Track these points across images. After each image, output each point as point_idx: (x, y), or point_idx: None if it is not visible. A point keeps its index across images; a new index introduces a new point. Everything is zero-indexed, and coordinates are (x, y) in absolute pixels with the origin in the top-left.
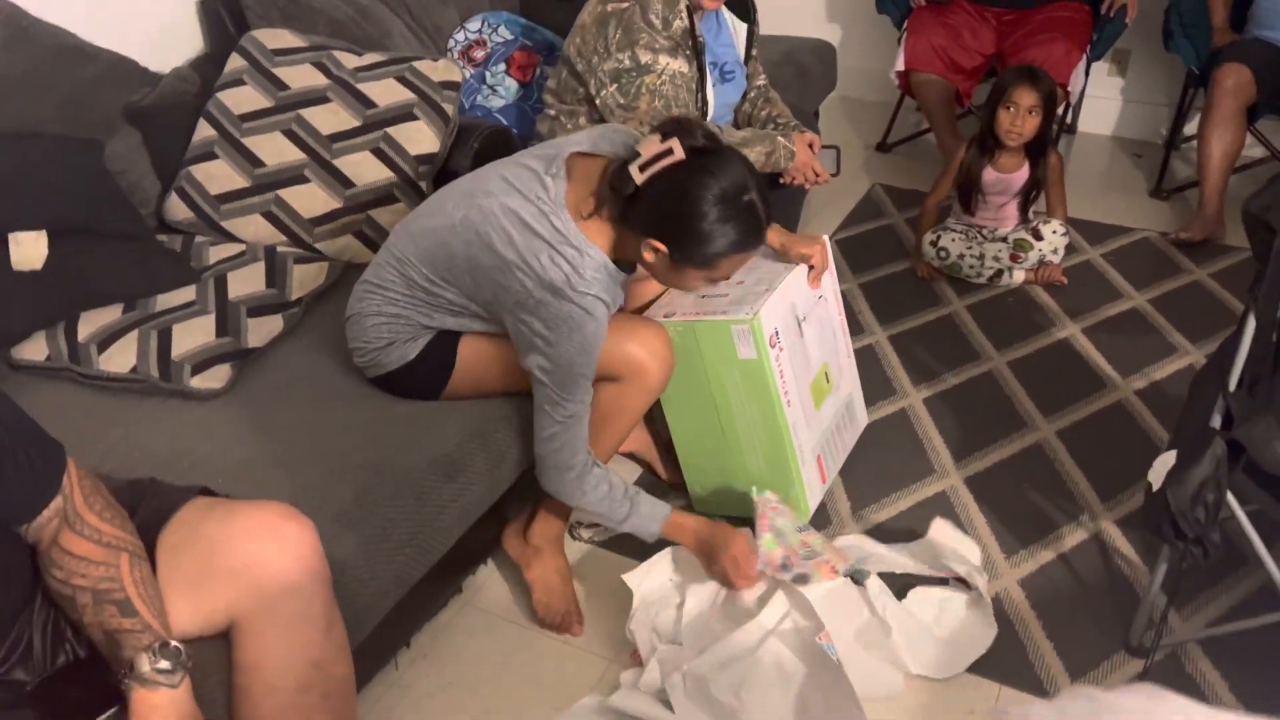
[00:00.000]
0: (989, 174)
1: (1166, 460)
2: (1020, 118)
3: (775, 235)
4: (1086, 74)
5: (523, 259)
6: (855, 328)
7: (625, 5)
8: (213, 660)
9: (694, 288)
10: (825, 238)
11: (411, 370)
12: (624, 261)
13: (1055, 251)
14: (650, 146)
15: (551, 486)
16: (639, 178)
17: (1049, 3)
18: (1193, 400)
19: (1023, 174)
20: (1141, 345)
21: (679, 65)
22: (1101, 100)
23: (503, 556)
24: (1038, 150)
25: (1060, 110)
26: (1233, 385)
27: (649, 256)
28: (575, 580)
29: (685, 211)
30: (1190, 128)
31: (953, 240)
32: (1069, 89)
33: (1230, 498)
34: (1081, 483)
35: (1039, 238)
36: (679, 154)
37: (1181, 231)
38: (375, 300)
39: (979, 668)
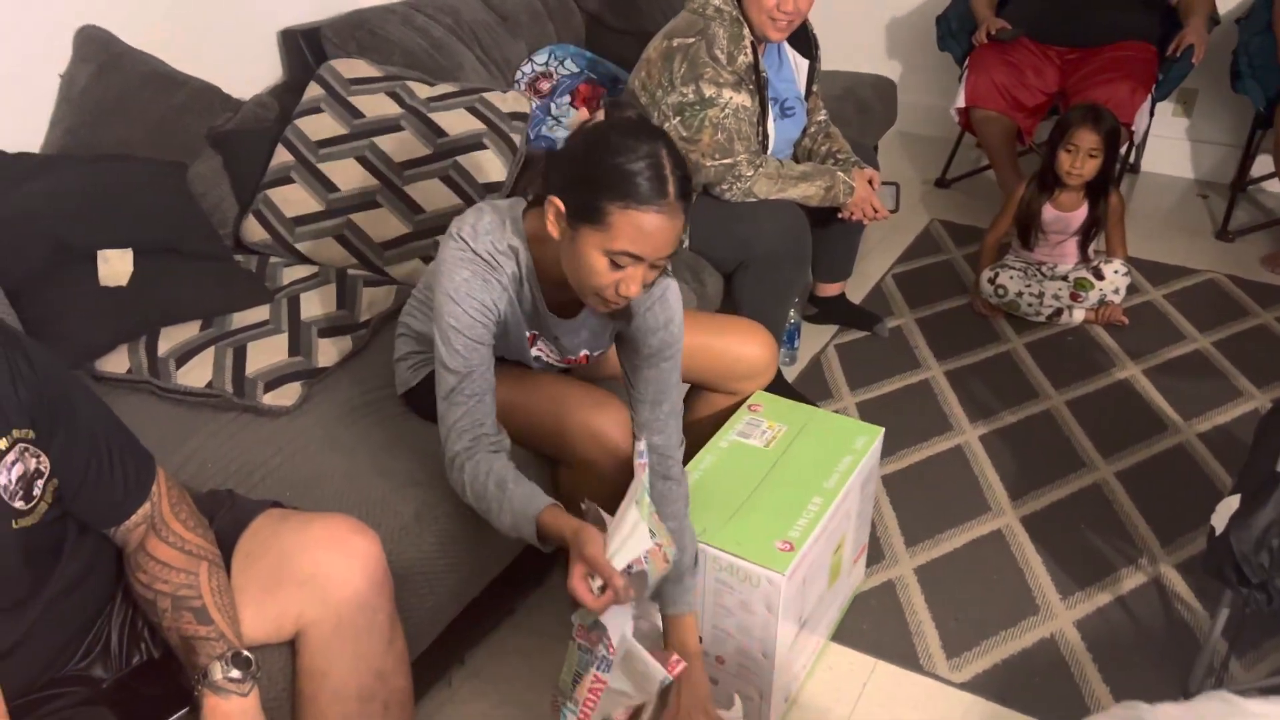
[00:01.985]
0: (1048, 211)
1: (1230, 504)
2: (1081, 159)
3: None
4: (1151, 114)
5: (468, 212)
6: (911, 363)
7: (691, 40)
8: (279, 667)
9: (597, 274)
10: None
11: (413, 395)
12: (557, 285)
13: (1117, 291)
14: (578, 120)
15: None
16: (562, 144)
17: (1114, 42)
18: (1259, 444)
19: (1082, 213)
20: (1205, 388)
21: (742, 99)
22: (1167, 140)
23: (556, 579)
24: (1098, 190)
25: (1124, 150)
26: None
27: (551, 223)
28: None
29: (583, 155)
30: (1258, 169)
31: (1011, 278)
32: (1133, 128)
33: None
34: (1141, 525)
35: (1100, 277)
36: (601, 115)
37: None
38: (408, 312)
39: (1033, 709)
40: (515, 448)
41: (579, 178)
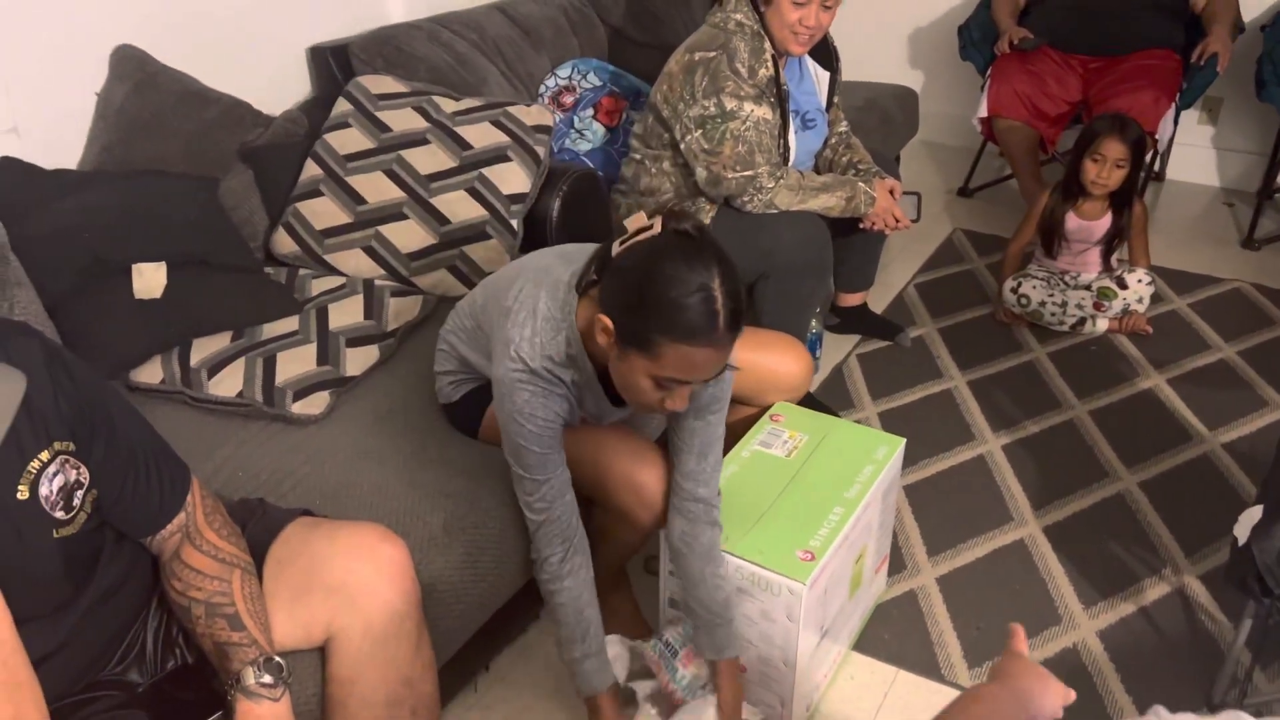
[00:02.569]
0: (1072, 220)
1: (1253, 515)
2: (1108, 169)
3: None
4: (1175, 122)
5: (511, 308)
6: (933, 373)
7: (713, 54)
8: (310, 673)
9: (643, 392)
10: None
11: (452, 410)
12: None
13: (1140, 300)
14: (635, 222)
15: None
16: (616, 250)
17: (1137, 50)
18: None
19: (1105, 221)
20: (1230, 398)
21: (763, 112)
22: (1192, 148)
23: None
24: (1122, 199)
25: (1148, 158)
26: None
27: (601, 338)
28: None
29: (635, 282)
30: None
31: (1034, 287)
32: (1156, 137)
33: None
34: (1164, 535)
35: (1124, 286)
36: (656, 229)
37: None
38: (452, 323)
39: None
40: None
41: (630, 304)
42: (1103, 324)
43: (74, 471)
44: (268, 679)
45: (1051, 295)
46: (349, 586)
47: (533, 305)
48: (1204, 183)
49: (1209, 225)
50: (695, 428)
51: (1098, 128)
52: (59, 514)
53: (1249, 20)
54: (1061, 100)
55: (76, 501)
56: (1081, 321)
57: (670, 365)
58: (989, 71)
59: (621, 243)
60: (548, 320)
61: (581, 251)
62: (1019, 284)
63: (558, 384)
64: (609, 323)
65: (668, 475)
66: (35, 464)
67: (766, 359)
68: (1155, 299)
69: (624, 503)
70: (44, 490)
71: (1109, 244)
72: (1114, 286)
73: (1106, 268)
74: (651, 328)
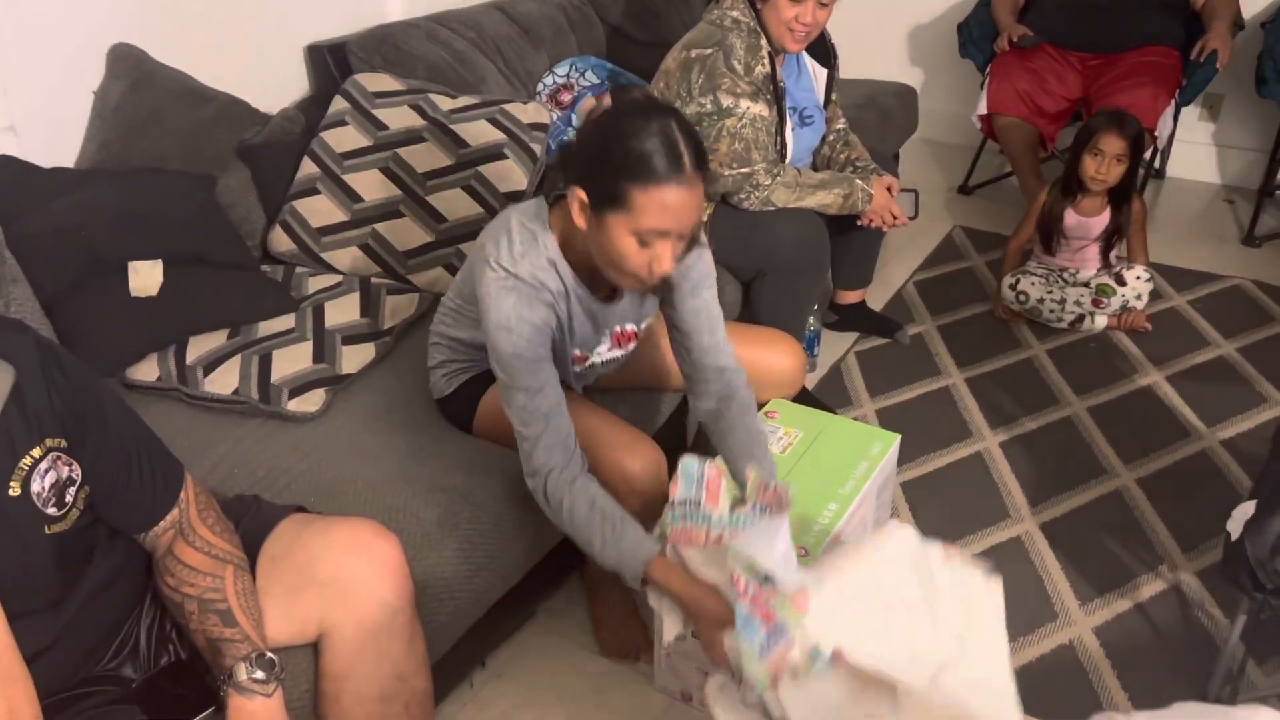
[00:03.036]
0: (1070, 217)
1: (1246, 510)
2: (1107, 165)
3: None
4: (1175, 119)
5: (485, 242)
6: (932, 370)
7: (709, 51)
8: (303, 668)
9: (629, 257)
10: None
11: (447, 404)
12: (586, 270)
13: (1139, 297)
14: (586, 106)
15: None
16: (574, 136)
17: (1137, 47)
18: (1276, 451)
19: (1104, 218)
20: (1228, 394)
21: (760, 109)
22: (1192, 145)
23: (576, 583)
24: (1121, 195)
25: (1147, 155)
26: None
27: (577, 215)
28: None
29: (598, 143)
30: None
31: (1032, 284)
32: (1156, 134)
33: None
34: (1161, 532)
35: (1122, 283)
36: (608, 102)
37: None
38: (440, 320)
39: (1051, 715)
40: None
41: (596, 166)
42: (1101, 321)
43: (66, 468)
44: (260, 675)
45: (1050, 292)
46: (342, 582)
47: (506, 225)
48: (1204, 180)
49: (1209, 222)
50: (697, 307)
51: (1096, 123)
52: (51, 510)
53: (1249, 17)
54: (1061, 97)
55: (69, 498)
56: (1080, 318)
57: (647, 213)
58: (988, 69)
59: (579, 130)
60: (523, 231)
61: (543, 205)
62: (1017, 281)
63: (542, 290)
64: (582, 194)
65: (657, 465)
66: (27, 460)
67: (760, 355)
68: (1155, 296)
69: (614, 491)
70: (35, 487)
71: (1108, 240)
72: (1113, 283)
73: (1105, 264)
74: (621, 178)
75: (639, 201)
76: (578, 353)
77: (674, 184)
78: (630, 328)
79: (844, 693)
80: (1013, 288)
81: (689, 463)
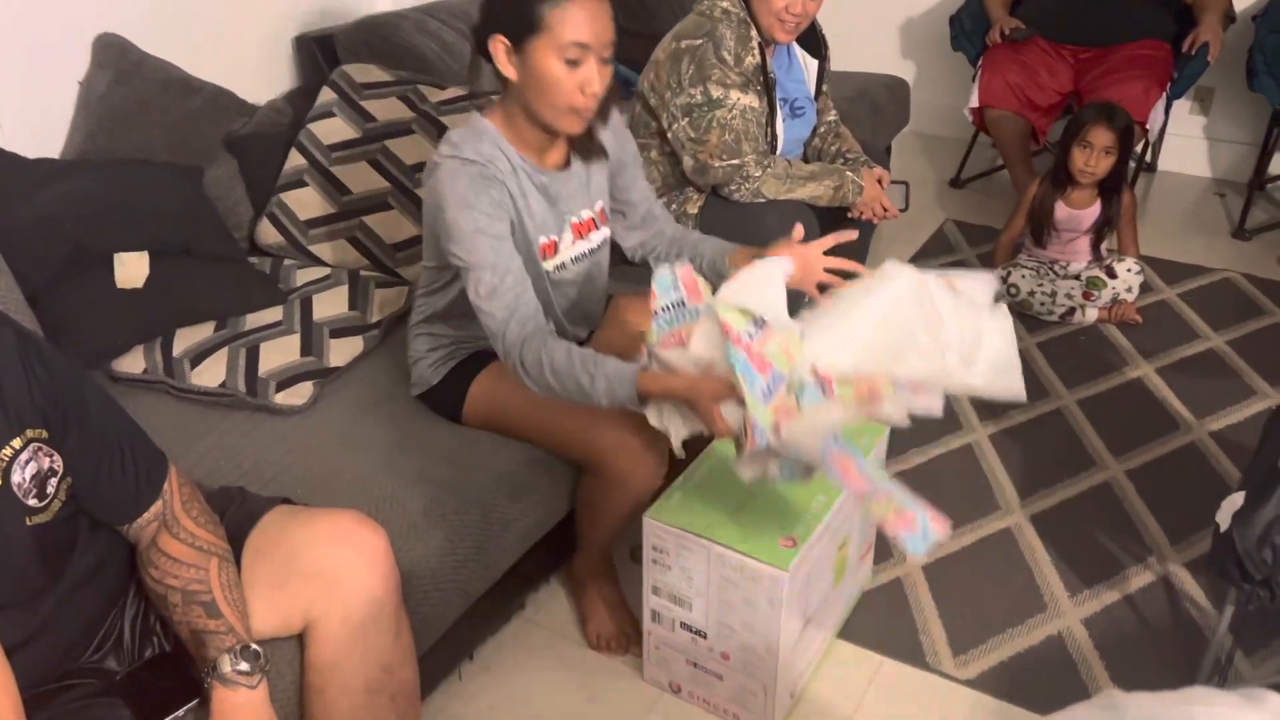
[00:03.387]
0: (1060, 210)
1: (1235, 501)
2: (1095, 157)
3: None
4: (1166, 112)
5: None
6: None
7: (699, 42)
8: (288, 660)
9: (560, 84)
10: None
11: (434, 395)
12: (546, 149)
13: (1129, 290)
14: None
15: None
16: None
17: (1128, 40)
18: (1265, 441)
19: (1094, 210)
20: (1218, 387)
21: (750, 100)
22: (1183, 139)
23: (565, 576)
24: (1111, 188)
25: (1138, 148)
26: None
27: (504, 65)
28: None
29: None
30: (1275, 167)
31: (1023, 277)
32: (1147, 127)
33: None
34: (1150, 524)
35: (1113, 275)
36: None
37: None
38: (420, 306)
39: (1039, 706)
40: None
41: (505, 8)
42: (1092, 313)
43: (47, 459)
44: (244, 667)
45: (1041, 285)
46: (327, 573)
47: (444, 138)
48: (1195, 173)
49: (1200, 215)
50: (635, 183)
51: (1085, 116)
52: (32, 501)
53: (1240, 10)
54: (1053, 90)
55: (50, 489)
56: (1071, 311)
57: (567, 27)
58: (980, 62)
59: None
60: (463, 134)
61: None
62: (1008, 274)
63: (491, 166)
64: (502, 39)
65: (660, 441)
66: (7, 451)
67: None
68: (1145, 289)
69: (619, 466)
70: (16, 478)
71: (1098, 233)
72: (1103, 276)
73: (1096, 257)
74: (532, 4)
75: (553, 18)
76: (544, 240)
77: None
78: (586, 214)
79: (842, 413)
80: (1003, 280)
81: (662, 272)
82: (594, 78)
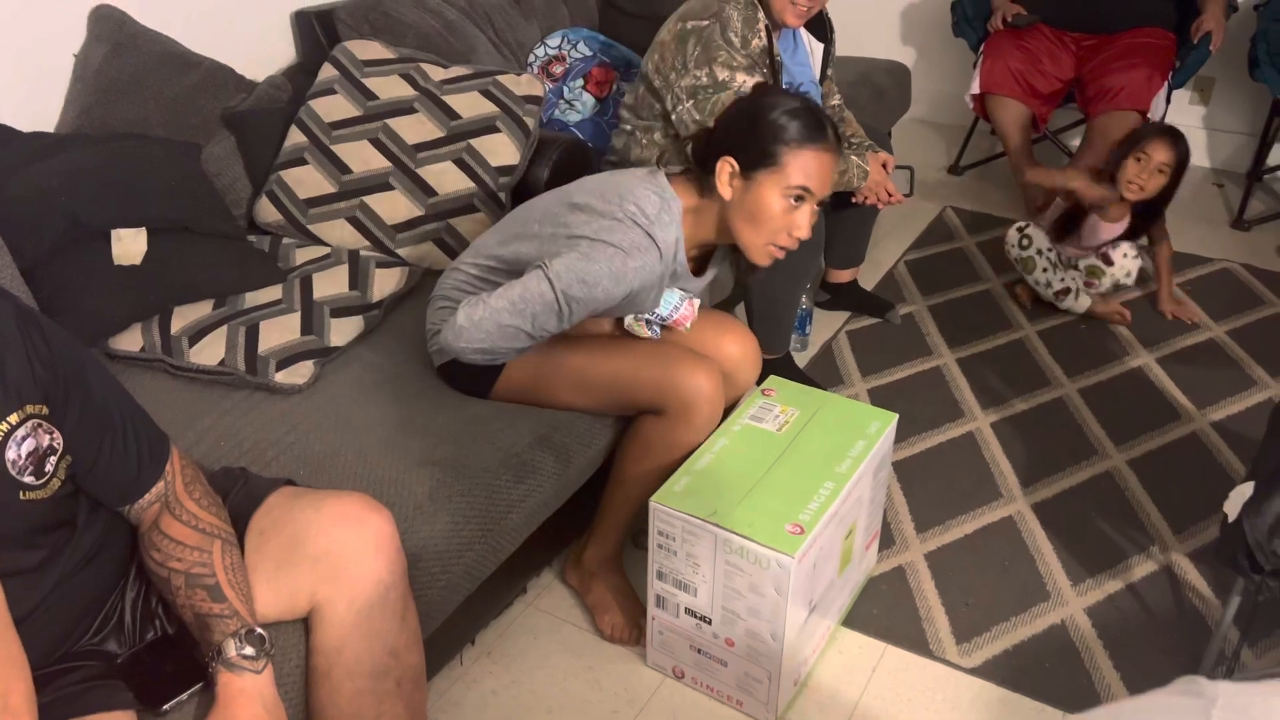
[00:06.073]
0: (1092, 218)
1: (1244, 491)
2: (1148, 172)
3: None
4: (1168, 101)
5: (608, 189)
6: (923, 350)
7: (705, 23)
8: (293, 644)
9: (774, 218)
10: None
11: (458, 369)
12: (700, 250)
13: (1129, 275)
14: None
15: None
16: (712, 121)
17: (1131, 28)
18: (1272, 432)
19: (1118, 229)
20: (1219, 377)
21: (755, 83)
22: (1184, 128)
23: (569, 568)
24: (1144, 215)
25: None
26: None
27: (724, 184)
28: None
29: (747, 114)
30: (1274, 157)
31: (1040, 237)
32: (1149, 115)
33: None
34: (1153, 513)
35: (1109, 263)
36: (746, 87)
37: None
38: (453, 279)
39: (1042, 694)
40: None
41: (747, 135)
42: (1085, 301)
43: (47, 436)
44: (249, 651)
45: (1049, 249)
46: (334, 557)
47: (644, 189)
48: (1195, 163)
49: (1199, 205)
50: None
51: (1147, 130)
52: (28, 479)
53: None
54: (1054, 78)
55: (49, 467)
56: (1066, 291)
57: (797, 171)
58: (982, 48)
59: (725, 112)
60: (659, 208)
61: (581, 185)
62: (1027, 225)
63: (664, 261)
64: (732, 160)
65: (720, 377)
66: (4, 426)
67: (705, 338)
68: (1145, 278)
69: (686, 396)
70: (10, 454)
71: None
72: (1100, 264)
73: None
74: (772, 141)
75: (789, 161)
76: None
77: (821, 146)
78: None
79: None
80: (1020, 230)
81: (671, 295)
82: (804, 224)
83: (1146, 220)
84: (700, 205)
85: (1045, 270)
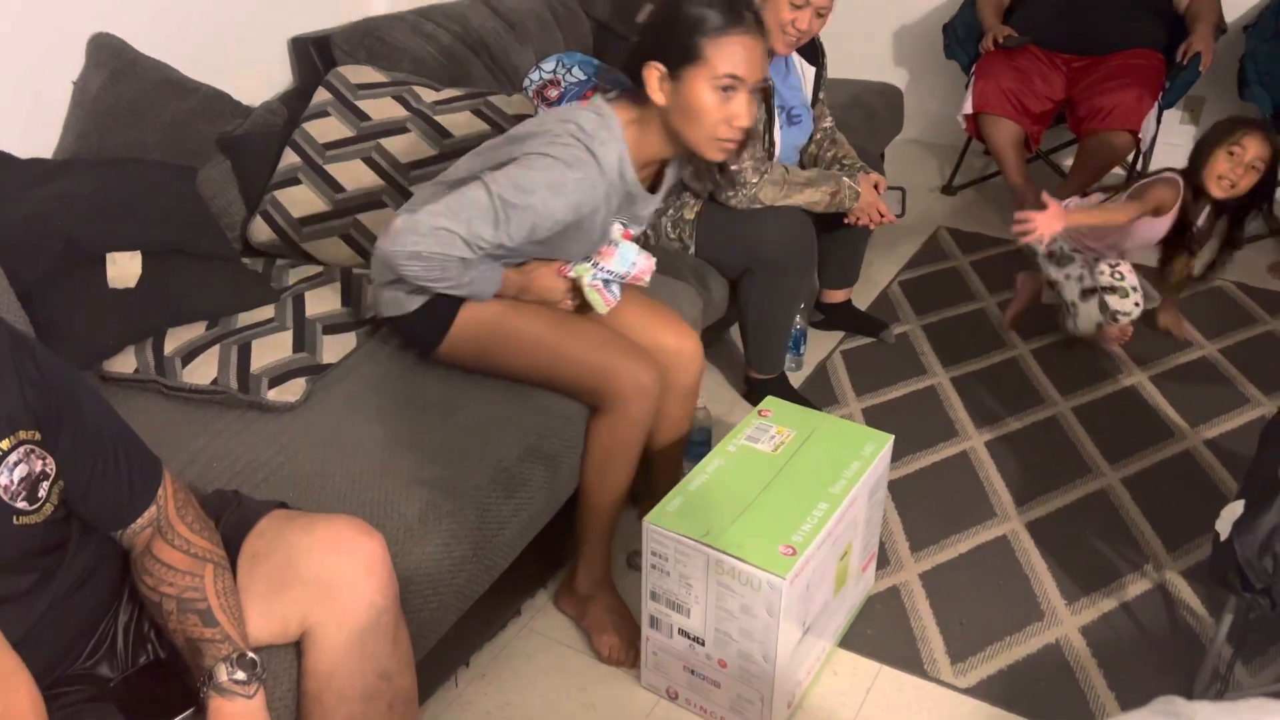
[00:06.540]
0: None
1: (1234, 509)
2: (1242, 167)
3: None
4: (1158, 121)
5: (546, 118)
6: (917, 369)
7: None
8: (285, 668)
9: (709, 113)
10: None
11: (406, 322)
12: (653, 165)
13: (1137, 304)
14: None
15: (384, 248)
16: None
17: (1121, 49)
18: (1263, 449)
19: (1161, 226)
20: (1212, 395)
21: None
22: (1175, 147)
23: (562, 593)
24: (1234, 214)
25: (1129, 158)
26: None
27: (655, 89)
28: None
29: (664, 17)
30: None
31: (1066, 251)
32: (1139, 136)
33: None
34: (1146, 531)
35: (1121, 278)
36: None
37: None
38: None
39: (1037, 714)
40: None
41: (667, 35)
42: (1085, 325)
43: (39, 462)
44: (241, 675)
45: (1071, 271)
46: (325, 580)
47: (583, 112)
48: None
49: None
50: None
51: (1239, 121)
52: (21, 504)
53: (1231, 20)
54: (1046, 98)
55: (42, 493)
56: (1092, 291)
57: (722, 61)
58: (973, 69)
59: (642, 21)
60: (598, 126)
61: (522, 123)
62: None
63: (605, 175)
64: (658, 65)
65: (657, 372)
66: None
67: (646, 325)
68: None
69: (623, 390)
70: (4, 479)
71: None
72: (1115, 281)
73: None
74: (693, 34)
75: (712, 51)
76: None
77: (741, 31)
78: (625, 229)
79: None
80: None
81: (627, 249)
82: (742, 111)
83: (1234, 219)
84: (641, 117)
85: (1059, 266)
